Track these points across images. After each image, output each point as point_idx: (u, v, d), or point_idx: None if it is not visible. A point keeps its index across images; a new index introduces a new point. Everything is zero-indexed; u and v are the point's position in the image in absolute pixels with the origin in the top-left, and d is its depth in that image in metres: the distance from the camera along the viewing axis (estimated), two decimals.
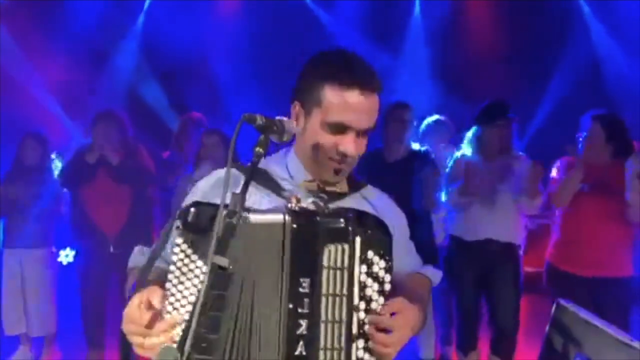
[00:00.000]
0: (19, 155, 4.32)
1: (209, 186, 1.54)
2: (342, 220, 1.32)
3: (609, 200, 3.39)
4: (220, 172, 1.56)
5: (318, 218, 1.32)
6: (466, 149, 3.86)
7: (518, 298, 3.76)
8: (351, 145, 1.44)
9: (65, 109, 6.37)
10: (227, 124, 4.51)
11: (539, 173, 3.60)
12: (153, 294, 1.28)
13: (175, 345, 1.22)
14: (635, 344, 1.52)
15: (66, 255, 5.83)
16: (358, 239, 1.32)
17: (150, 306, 1.27)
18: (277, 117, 1.38)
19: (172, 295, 1.27)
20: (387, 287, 1.33)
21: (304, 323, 1.27)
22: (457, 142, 4.14)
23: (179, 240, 1.28)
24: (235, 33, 6.74)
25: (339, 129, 1.44)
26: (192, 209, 1.30)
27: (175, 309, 1.27)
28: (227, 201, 1.22)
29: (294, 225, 1.30)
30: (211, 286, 1.18)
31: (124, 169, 4.05)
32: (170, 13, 6.78)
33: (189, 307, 1.26)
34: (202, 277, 1.26)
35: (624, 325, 3.28)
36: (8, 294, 4.31)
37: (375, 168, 3.72)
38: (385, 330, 1.32)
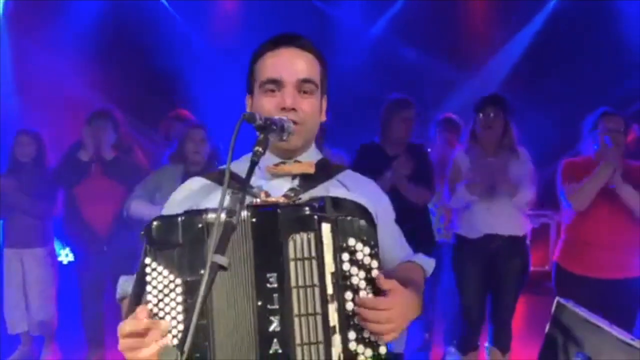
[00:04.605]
0: (13, 153, 4.25)
1: (182, 198, 1.52)
2: (306, 208, 1.28)
3: (618, 202, 3.34)
4: (189, 184, 1.56)
5: (279, 210, 1.27)
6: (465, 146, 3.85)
7: (518, 293, 3.75)
8: (289, 98, 1.42)
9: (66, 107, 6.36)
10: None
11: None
12: (141, 312, 1.25)
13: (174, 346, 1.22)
14: (636, 342, 1.52)
15: (66, 255, 5.83)
16: (327, 226, 1.27)
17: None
18: (277, 117, 1.39)
19: (155, 315, 1.25)
20: (375, 273, 1.28)
21: (275, 320, 1.22)
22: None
23: (148, 260, 1.27)
24: (236, 31, 6.71)
25: (274, 86, 1.44)
26: (154, 224, 1.28)
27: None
28: (226, 200, 1.19)
29: (253, 220, 1.25)
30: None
31: (117, 166, 4.04)
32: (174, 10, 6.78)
33: (174, 322, 1.25)
34: (178, 290, 1.25)
35: (630, 326, 3.28)
36: (10, 292, 4.30)
37: (375, 161, 3.73)
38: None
